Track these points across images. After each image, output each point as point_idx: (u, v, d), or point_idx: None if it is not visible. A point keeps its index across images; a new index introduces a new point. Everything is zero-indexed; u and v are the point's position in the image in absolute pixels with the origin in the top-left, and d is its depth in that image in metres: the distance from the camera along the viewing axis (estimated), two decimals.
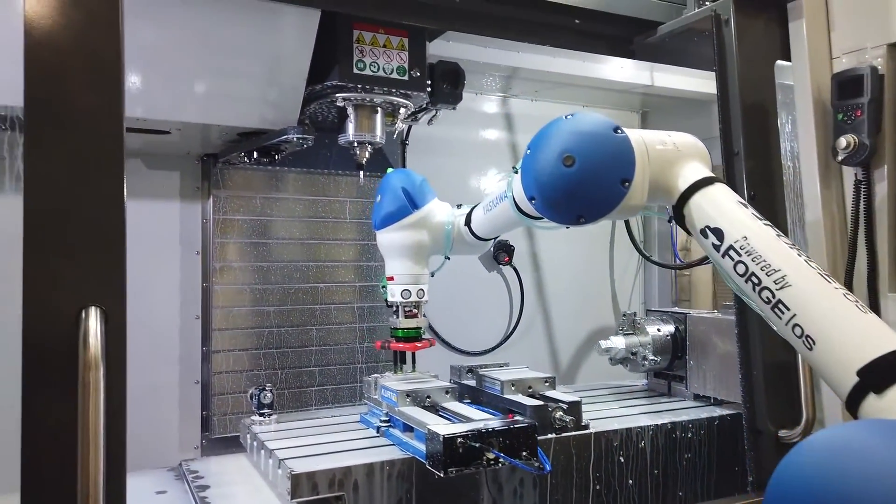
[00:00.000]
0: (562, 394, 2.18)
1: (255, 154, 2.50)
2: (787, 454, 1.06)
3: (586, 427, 2.09)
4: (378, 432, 2.07)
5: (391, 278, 2.36)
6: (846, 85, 1.98)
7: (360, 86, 2.28)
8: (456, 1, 2.15)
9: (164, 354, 2.84)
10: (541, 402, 2.06)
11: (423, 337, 2.36)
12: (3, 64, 1.23)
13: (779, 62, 2.14)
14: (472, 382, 2.38)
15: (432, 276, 2.40)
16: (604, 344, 2.58)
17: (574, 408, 2.07)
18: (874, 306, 1.95)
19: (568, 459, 2.05)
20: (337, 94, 2.32)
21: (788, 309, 1.41)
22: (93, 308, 1.20)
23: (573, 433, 2.05)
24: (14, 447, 1.16)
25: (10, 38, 1.23)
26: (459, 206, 2.35)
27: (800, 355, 1.94)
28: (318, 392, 3.08)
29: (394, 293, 2.33)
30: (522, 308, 3.53)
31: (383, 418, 2.08)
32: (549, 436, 2.00)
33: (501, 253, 3.43)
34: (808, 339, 1.38)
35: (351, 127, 2.42)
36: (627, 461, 2.14)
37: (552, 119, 1.69)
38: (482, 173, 3.52)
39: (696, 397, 2.52)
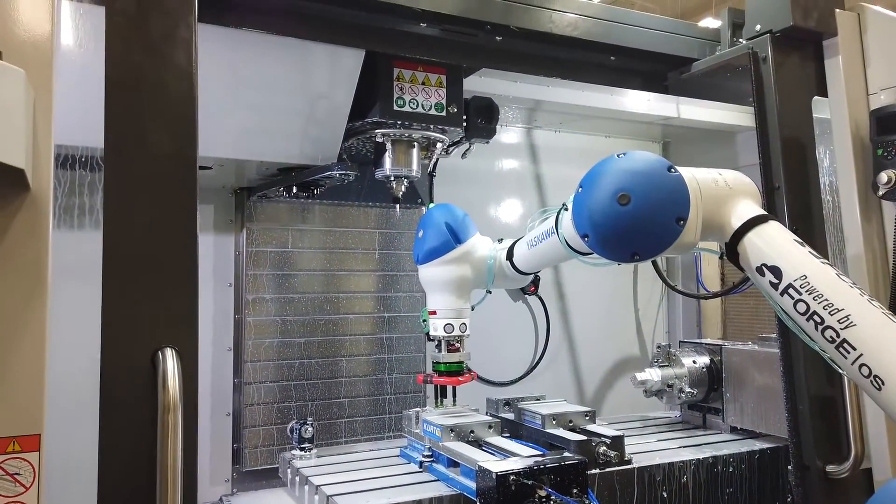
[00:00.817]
0: (603, 428, 2.18)
1: (295, 188, 2.53)
2: (881, 489, 1.07)
3: (629, 462, 2.09)
4: (421, 467, 2.07)
5: (433, 312, 2.36)
6: (885, 121, 2.01)
7: (399, 122, 2.31)
8: (497, 40, 2.19)
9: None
10: (584, 437, 2.06)
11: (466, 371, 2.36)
12: (84, 108, 1.26)
13: (816, 97, 2.17)
14: (511, 416, 2.38)
15: (472, 309, 2.41)
16: (640, 376, 2.58)
17: (617, 443, 2.07)
18: None
19: (612, 494, 2.04)
20: (376, 130, 2.36)
21: (855, 349, 1.42)
22: (168, 349, 1.21)
23: (617, 468, 2.04)
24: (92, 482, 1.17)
25: (91, 84, 1.27)
26: (500, 240, 2.37)
27: (847, 390, 1.94)
28: (347, 423, 3.07)
29: (436, 327, 2.33)
30: (548, 338, 3.53)
31: (426, 453, 2.08)
32: (594, 471, 2.00)
33: (528, 283, 3.44)
34: (877, 380, 1.39)
35: (388, 161, 2.45)
36: (670, 496, 2.13)
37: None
38: (507, 203, 3.54)
39: (733, 430, 2.51)
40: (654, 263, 3.57)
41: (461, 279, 2.31)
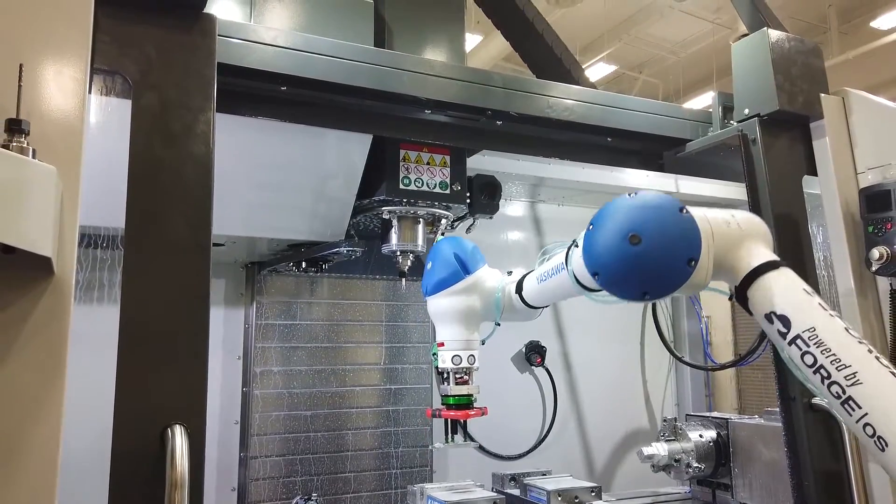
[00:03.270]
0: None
1: (304, 264, 2.61)
2: None
3: None
4: None
5: (441, 344, 2.32)
6: (874, 199, 2.07)
7: (405, 200, 2.40)
8: (498, 124, 2.31)
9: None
10: None
11: (475, 406, 2.31)
12: (105, 189, 1.35)
13: (806, 176, 2.25)
14: (517, 491, 2.37)
15: (482, 343, 2.37)
16: (646, 451, 2.57)
17: None
18: None
19: None
20: (383, 207, 2.45)
21: (860, 407, 1.40)
22: (178, 426, 1.26)
23: None
24: None
25: (114, 168, 1.36)
26: (510, 272, 2.34)
27: (851, 463, 1.93)
28: (353, 499, 3.05)
29: (444, 359, 2.28)
30: (556, 410, 3.52)
31: None
32: None
33: (534, 354, 3.47)
34: (881, 441, 1.37)
35: (395, 237, 2.53)
36: None
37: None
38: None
39: None
40: (661, 335, 3.60)
41: (469, 310, 2.27)
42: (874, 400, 1.40)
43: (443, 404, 2.31)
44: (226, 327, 2.99)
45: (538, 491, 2.22)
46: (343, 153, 2.26)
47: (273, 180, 2.31)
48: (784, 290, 1.58)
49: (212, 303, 2.93)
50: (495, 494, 2.20)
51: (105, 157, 1.42)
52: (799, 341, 1.51)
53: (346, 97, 2.03)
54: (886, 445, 1.36)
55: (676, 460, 2.53)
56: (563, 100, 2.33)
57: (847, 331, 1.50)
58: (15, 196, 0.98)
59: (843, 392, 1.43)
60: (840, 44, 11.27)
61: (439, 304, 2.30)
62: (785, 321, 1.53)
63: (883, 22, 10.92)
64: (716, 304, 3.80)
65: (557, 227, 3.65)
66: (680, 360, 3.56)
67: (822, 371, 1.47)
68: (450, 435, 2.36)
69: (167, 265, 1.35)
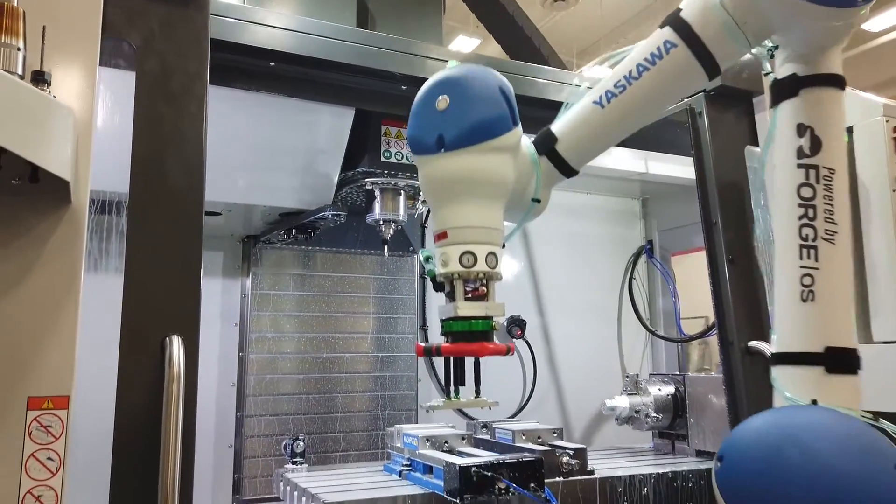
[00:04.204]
0: (568, 443, 2.38)
1: (294, 231, 2.83)
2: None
3: (592, 472, 2.27)
4: (400, 476, 2.27)
5: (443, 235, 1.57)
6: None
7: (386, 171, 2.63)
8: None
9: (201, 421, 3.07)
10: (549, 448, 2.26)
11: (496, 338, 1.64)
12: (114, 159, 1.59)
13: (749, 147, 2.47)
14: (487, 436, 2.58)
15: (503, 245, 1.65)
16: (609, 403, 2.78)
17: (580, 453, 2.26)
18: None
19: (575, 502, 2.22)
20: (366, 179, 2.67)
21: (817, 259, 1.43)
22: (175, 336, 1.49)
23: (579, 477, 2.23)
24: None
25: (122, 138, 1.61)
26: None
27: None
28: (342, 457, 3.27)
29: (448, 259, 1.54)
30: (535, 380, 3.73)
31: (405, 463, 2.28)
32: (557, 479, 2.19)
33: (514, 327, 3.67)
34: (810, 293, 1.43)
35: (378, 207, 2.76)
36: None
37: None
38: None
39: (699, 454, 2.68)
40: (637, 312, 3.85)
41: (503, 181, 1.59)
42: (831, 262, 1.43)
43: (443, 333, 1.63)
44: (223, 297, 3.23)
45: (505, 431, 2.43)
46: (328, 126, 2.49)
47: (265, 152, 2.54)
48: (837, 117, 1.48)
49: (210, 274, 3.23)
50: (464, 431, 2.41)
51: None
52: (813, 171, 1.44)
53: (330, 72, 2.26)
54: (813, 300, 1.43)
55: (637, 412, 2.74)
56: (533, 79, 2.55)
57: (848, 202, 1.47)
58: (42, 126, 1.21)
59: (814, 238, 1.43)
60: None
61: (462, 165, 1.54)
62: (816, 144, 1.45)
63: (874, 24, 11.14)
64: (687, 281, 4.01)
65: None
66: (654, 333, 3.77)
67: (810, 209, 1.44)
68: (453, 388, 1.67)
69: (166, 201, 1.58)
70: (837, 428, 1.28)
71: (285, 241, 3.07)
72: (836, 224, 1.44)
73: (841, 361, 1.43)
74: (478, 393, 1.71)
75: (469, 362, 1.69)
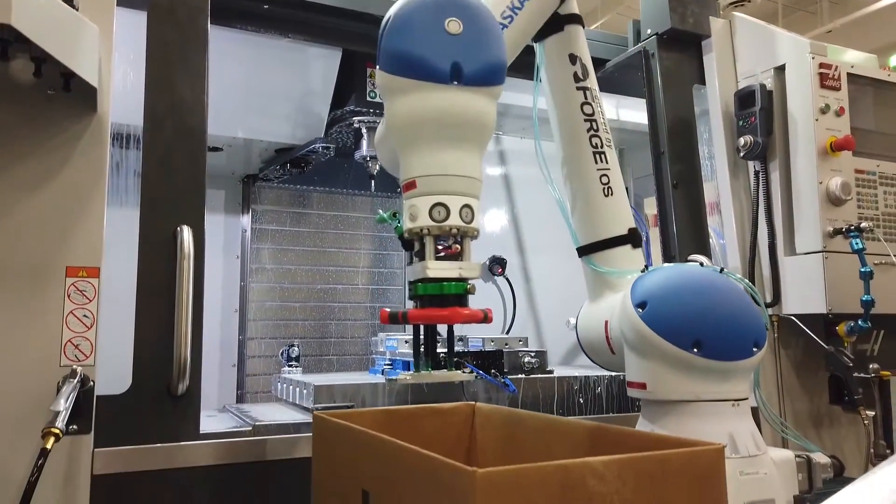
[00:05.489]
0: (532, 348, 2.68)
1: (288, 165, 3.11)
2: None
3: (551, 372, 2.58)
4: (382, 374, 2.58)
5: (411, 184, 1.38)
6: (744, 99, 2.56)
7: (372, 110, 2.90)
8: None
9: (208, 342, 3.38)
10: (514, 350, 2.57)
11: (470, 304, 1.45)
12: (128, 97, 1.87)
13: (696, 85, 2.73)
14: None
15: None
16: (572, 321, 3.07)
17: (541, 356, 2.57)
18: (774, 267, 2.45)
19: (535, 397, 2.53)
20: (353, 118, 2.95)
21: (607, 162, 1.93)
22: (185, 226, 1.79)
23: (539, 375, 2.54)
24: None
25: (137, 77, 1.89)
26: None
27: None
28: None
29: (416, 213, 1.35)
30: (514, 317, 4.03)
31: (387, 362, 2.59)
32: (519, 376, 2.50)
33: (495, 265, 3.96)
34: (610, 189, 1.92)
35: (364, 144, 3.03)
36: (586, 403, 2.61)
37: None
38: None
39: None
40: None
41: (491, 130, 1.46)
42: (615, 162, 1.95)
43: (411, 297, 1.49)
44: (226, 232, 3.52)
45: (476, 338, 2.73)
46: (318, 67, 2.76)
47: (262, 90, 2.81)
48: (586, 49, 1.99)
49: (213, 211, 3.53)
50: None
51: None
52: (589, 92, 1.94)
53: (319, 14, 2.52)
54: (612, 194, 1.92)
55: None
56: None
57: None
58: (75, 39, 1.49)
59: (601, 146, 1.92)
60: (830, 13, 11.59)
61: (477, 105, 1.38)
62: (585, 71, 1.95)
63: None
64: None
65: (520, 158, 4.10)
66: None
67: (593, 122, 1.92)
68: (422, 359, 1.53)
69: (176, 113, 1.87)
70: (704, 270, 1.75)
71: (281, 177, 3.35)
72: (608, 132, 1.94)
73: (637, 238, 1.93)
74: (451, 364, 1.56)
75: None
